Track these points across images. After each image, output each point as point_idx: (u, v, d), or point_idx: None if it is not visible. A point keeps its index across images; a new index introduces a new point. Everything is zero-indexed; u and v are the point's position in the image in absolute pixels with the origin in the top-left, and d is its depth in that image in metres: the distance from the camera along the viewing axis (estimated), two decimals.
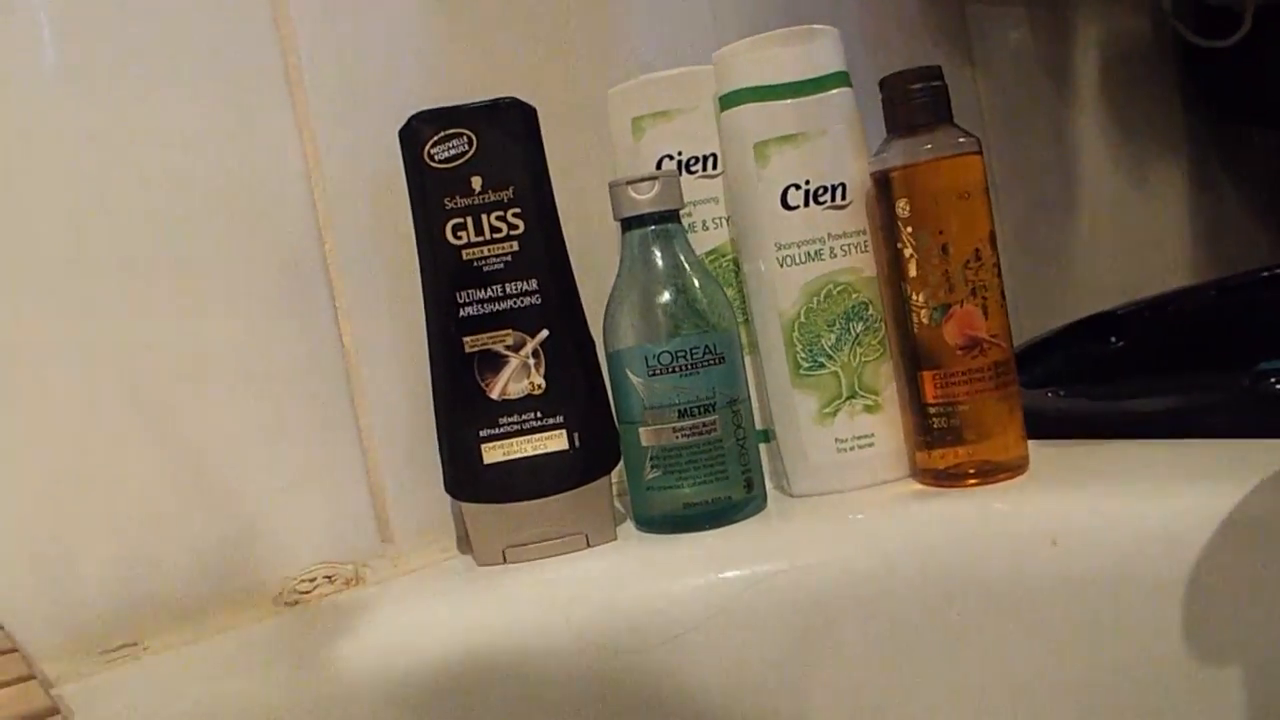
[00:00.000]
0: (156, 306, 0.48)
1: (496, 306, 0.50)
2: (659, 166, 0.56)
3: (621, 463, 0.52)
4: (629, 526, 0.53)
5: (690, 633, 0.46)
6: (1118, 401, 0.55)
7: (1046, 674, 0.44)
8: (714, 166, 0.56)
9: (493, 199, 0.50)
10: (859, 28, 0.75)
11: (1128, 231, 0.92)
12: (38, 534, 0.45)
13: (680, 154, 0.56)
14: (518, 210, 0.50)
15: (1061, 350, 0.69)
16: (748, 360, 0.55)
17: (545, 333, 0.50)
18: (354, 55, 0.54)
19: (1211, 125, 0.99)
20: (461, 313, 0.50)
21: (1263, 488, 0.41)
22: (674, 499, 0.51)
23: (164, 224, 0.49)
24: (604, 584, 0.48)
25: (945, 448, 0.50)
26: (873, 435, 0.53)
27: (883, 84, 0.51)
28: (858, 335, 0.52)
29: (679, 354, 0.50)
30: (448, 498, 0.53)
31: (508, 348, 0.50)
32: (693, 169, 0.56)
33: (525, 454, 0.50)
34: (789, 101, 0.52)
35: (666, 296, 0.51)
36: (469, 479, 0.50)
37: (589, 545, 0.51)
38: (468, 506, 0.51)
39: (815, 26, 0.52)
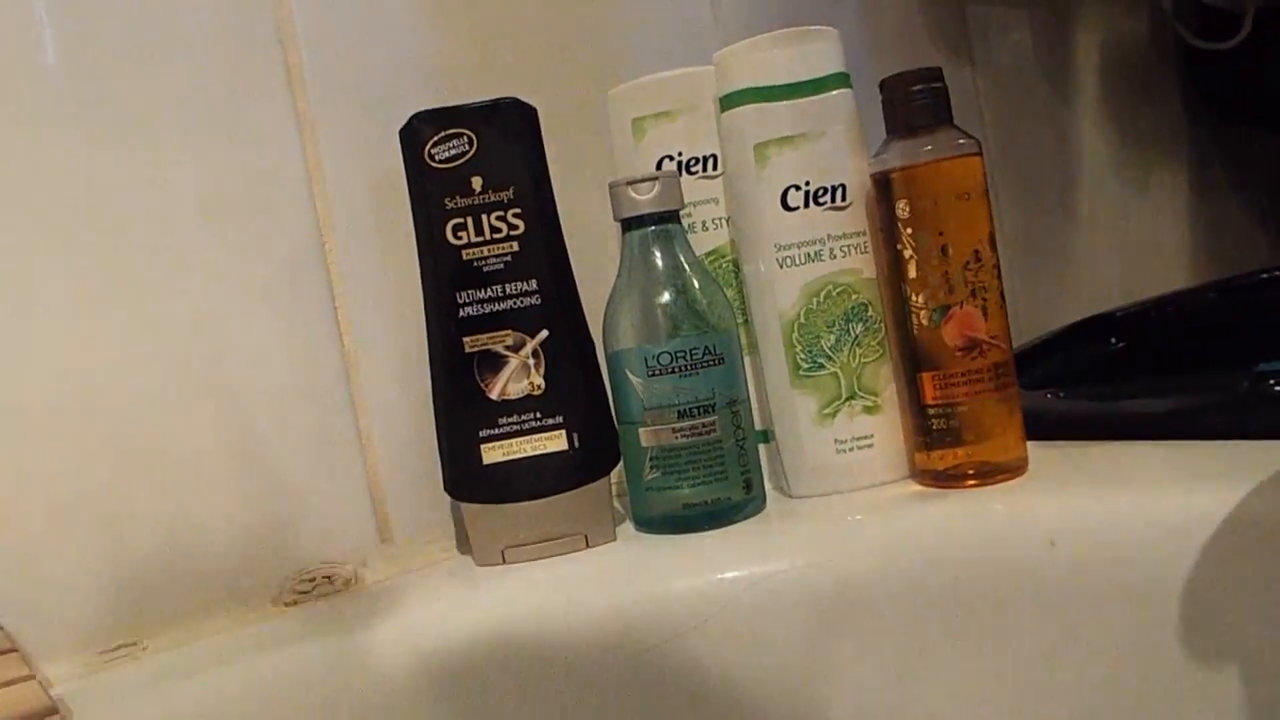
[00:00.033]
0: (155, 306, 0.48)
1: (496, 307, 0.50)
2: (659, 167, 0.56)
3: (621, 463, 0.52)
4: (628, 527, 0.53)
5: (689, 633, 0.46)
6: (1117, 403, 0.55)
7: (1046, 675, 0.44)
8: (714, 167, 0.56)
9: (493, 199, 0.50)
10: (859, 29, 0.75)
11: (1127, 233, 0.92)
12: (36, 535, 0.45)
13: (680, 155, 0.56)
14: (518, 210, 0.50)
15: (1061, 351, 0.69)
16: (747, 361, 0.55)
17: (545, 333, 0.50)
18: (355, 55, 0.54)
19: (1212, 127, 0.99)
20: (461, 313, 0.50)
21: (1262, 489, 0.41)
22: (673, 499, 0.51)
23: (163, 224, 0.49)
24: (603, 584, 0.48)
25: (944, 449, 0.50)
26: (872, 436, 0.53)
27: (883, 85, 0.51)
28: (857, 336, 0.52)
29: (678, 354, 0.50)
30: (447, 498, 0.53)
31: (507, 348, 0.50)
32: (693, 170, 0.56)
33: (525, 454, 0.50)
34: (789, 102, 0.52)
35: (666, 297, 0.51)
36: (468, 479, 0.50)
37: (588, 546, 0.51)
38: (467, 507, 0.51)
39: (815, 28, 0.52)
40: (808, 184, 0.52)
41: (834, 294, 0.52)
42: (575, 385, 0.51)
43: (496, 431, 0.50)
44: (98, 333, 0.47)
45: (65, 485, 0.46)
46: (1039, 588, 0.44)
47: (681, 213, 0.52)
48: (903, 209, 0.49)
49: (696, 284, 0.51)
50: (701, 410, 0.50)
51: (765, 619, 0.46)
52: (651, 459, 0.51)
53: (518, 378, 0.50)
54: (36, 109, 0.46)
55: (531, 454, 0.50)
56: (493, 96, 0.50)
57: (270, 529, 0.50)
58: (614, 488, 0.52)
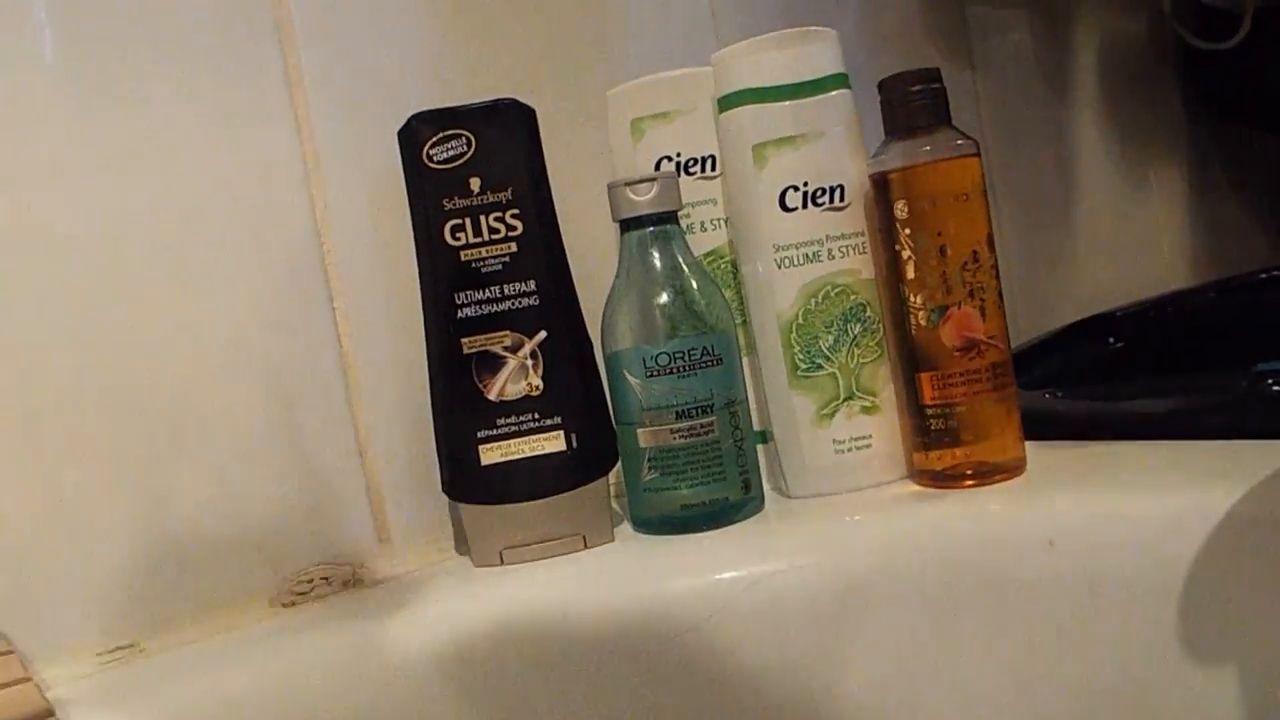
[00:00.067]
0: (153, 306, 0.48)
1: (494, 308, 0.50)
2: (658, 168, 0.56)
3: (619, 464, 0.52)
4: (626, 528, 0.53)
5: (688, 634, 0.46)
6: (1116, 403, 0.55)
7: (1044, 675, 0.44)
8: (712, 168, 0.56)
9: (491, 200, 0.50)
10: (858, 30, 0.75)
11: (1126, 233, 0.92)
12: (33, 536, 0.45)
13: (679, 155, 0.56)
14: (516, 211, 0.50)
15: (1060, 352, 0.69)
16: (745, 361, 0.55)
17: (543, 334, 0.50)
18: (354, 55, 0.54)
19: (1211, 127, 0.99)
20: (459, 314, 0.50)
21: (1260, 488, 0.41)
22: (671, 500, 0.51)
23: (161, 224, 0.49)
24: (601, 585, 0.48)
25: (943, 449, 0.50)
26: (870, 436, 0.53)
27: (881, 86, 0.51)
28: (855, 336, 0.52)
29: (677, 355, 0.50)
30: (445, 499, 0.53)
31: (506, 349, 0.50)
32: (691, 170, 0.56)
33: (523, 455, 0.50)
34: (787, 103, 0.52)
35: (665, 298, 0.51)
36: (466, 480, 0.50)
37: (586, 546, 0.51)
38: (465, 507, 0.51)
39: (814, 28, 0.52)
40: (806, 185, 0.52)
41: (832, 294, 0.52)
42: (573, 386, 0.50)
43: (495, 432, 0.50)
44: (86, 337, 0.47)
45: (60, 487, 0.46)
46: (1037, 588, 0.44)
47: (680, 213, 0.52)
48: (901, 209, 0.49)
49: (695, 285, 0.51)
50: (700, 411, 0.50)
51: (764, 619, 0.46)
52: (650, 460, 0.51)
53: (516, 378, 0.50)
54: (33, 105, 0.46)
55: (530, 455, 0.50)
56: (491, 97, 0.50)
57: (268, 530, 0.50)
58: (612, 488, 0.52)
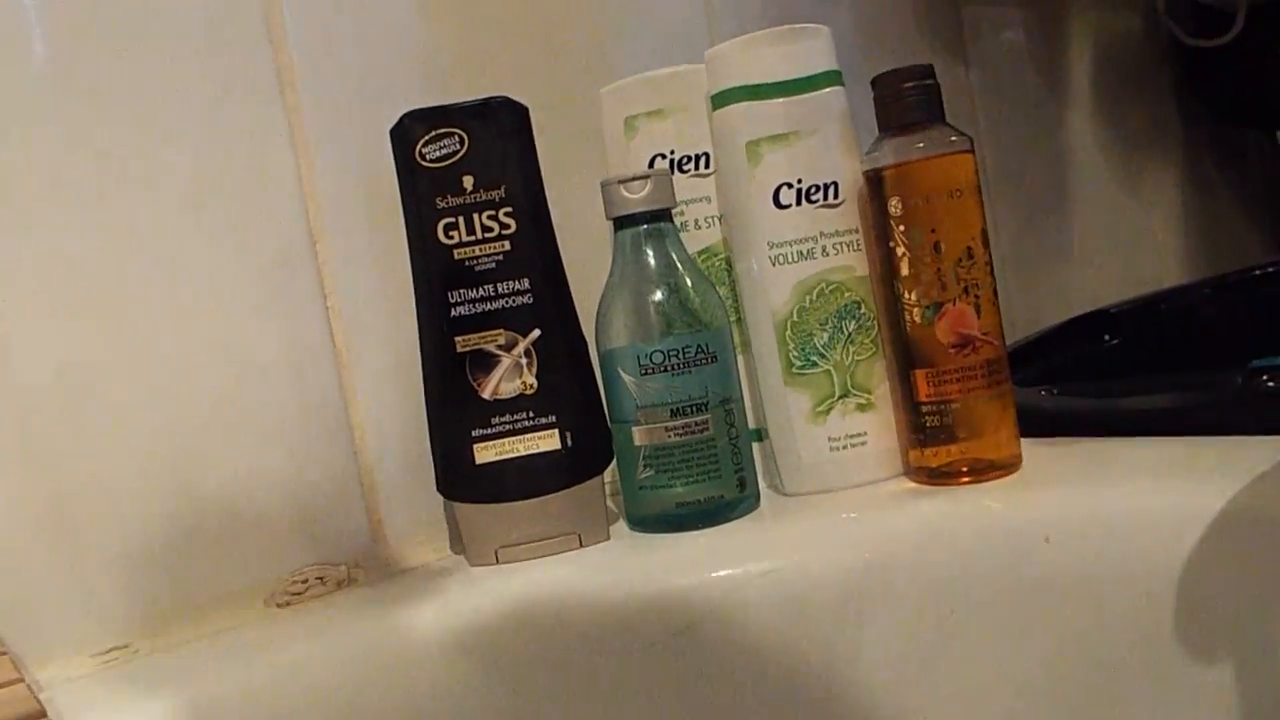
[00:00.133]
0: (144, 307, 0.48)
1: (488, 306, 0.50)
2: (651, 165, 0.56)
3: (614, 462, 0.52)
4: (622, 526, 0.53)
5: (683, 632, 0.46)
6: (1111, 399, 0.55)
7: (1040, 671, 0.44)
8: (706, 165, 0.56)
9: (484, 198, 0.50)
10: (851, 27, 0.75)
11: (1121, 230, 0.92)
12: (28, 537, 0.45)
13: (672, 153, 0.56)
14: (509, 209, 0.50)
15: (1055, 348, 0.69)
16: (740, 359, 0.55)
17: (537, 332, 0.50)
18: (346, 53, 0.54)
19: (1205, 124, 0.99)
20: (453, 312, 0.50)
21: (1255, 484, 0.41)
22: (667, 498, 0.50)
23: (154, 222, 0.48)
24: (597, 584, 0.48)
25: (938, 446, 0.50)
26: (865, 434, 0.52)
27: (875, 83, 0.51)
28: (850, 334, 0.52)
29: (671, 353, 0.50)
30: (440, 498, 0.53)
31: (500, 347, 0.50)
32: (685, 168, 0.56)
33: (517, 454, 0.50)
34: (781, 100, 0.52)
35: (659, 295, 0.51)
36: (461, 479, 0.50)
37: (582, 545, 0.51)
38: (460, 507, 0.51)
39: (807, 25, 0.52)
40: (800, 182, 0.52)
41: (827, 292, 0.52)
42: (568, 384, 0.50)
43: (489, 431, 0.50)
44: (77, 338, 0.47)
45: (53, 488, 0.46)
46: (1034, 584, 0.44)
47: (674, 211, 0.52)
48: (895, 206, 0.49)
49: (689, 282, 0.51)
50: (695, 409, 0.50)
51: (759, 617, 0.46)
52: (645, 458, 0.50)
53: (510, 377, 0.50)
54: (24, 106, 0.46)
55: (524, 453, 0.50)
56: (484, 95, 0.50)
57: (262, 530, 0.50)
58: (607, 487, 0.52)
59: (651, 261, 0.51)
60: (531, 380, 0.50)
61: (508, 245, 0.50)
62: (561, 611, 0.46)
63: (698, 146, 0.55)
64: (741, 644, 0.46)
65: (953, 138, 0.49)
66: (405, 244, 0.50)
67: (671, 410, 0.50)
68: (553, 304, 0.50)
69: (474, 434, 0.50)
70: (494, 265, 0.50)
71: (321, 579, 0.51)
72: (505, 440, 0.50)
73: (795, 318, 0.52)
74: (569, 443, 0.50)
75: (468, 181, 0.50)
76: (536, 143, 0.51)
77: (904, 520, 0.48)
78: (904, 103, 0.50)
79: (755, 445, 0.55)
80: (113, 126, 0.48)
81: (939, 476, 0.50)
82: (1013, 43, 0.87)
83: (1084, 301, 0.76)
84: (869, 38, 0.76)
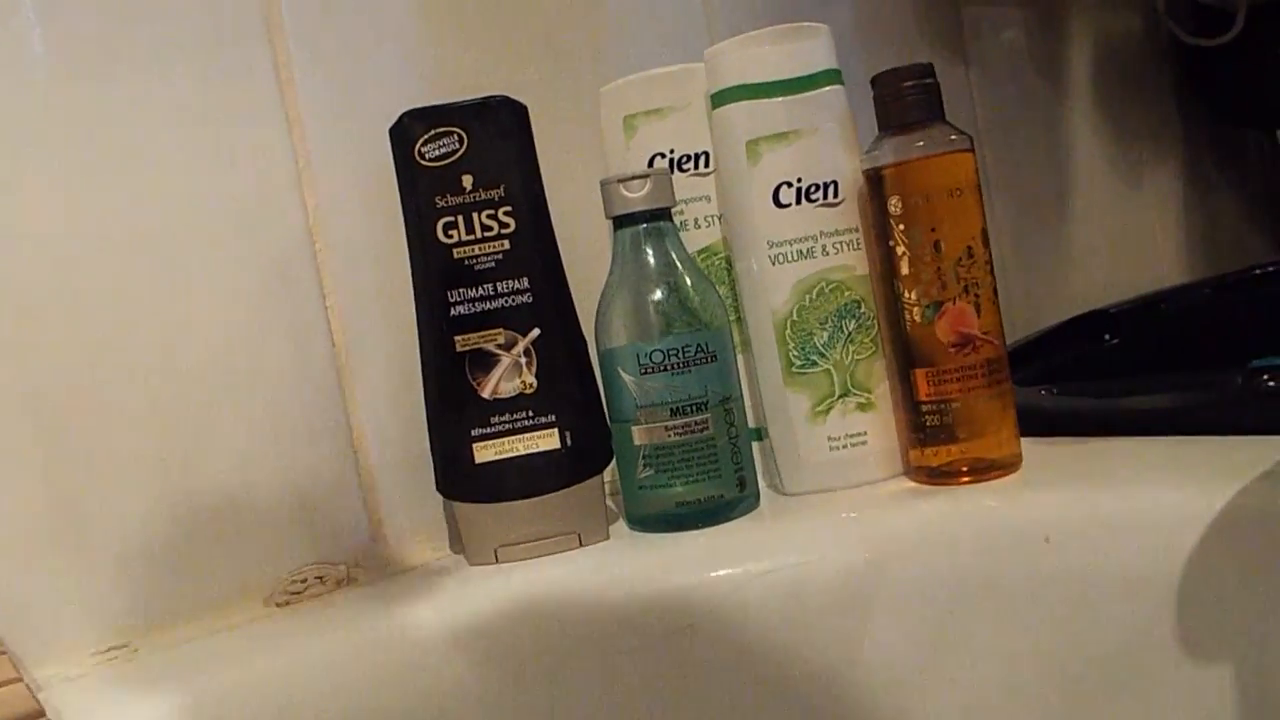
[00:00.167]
0: (143, 305, 0.48)
1: (488, 305, 0.50)
2: (651, 164, 0.56)
3: (614, 462, 0.52)
4: (621, 525, 0.53)
5: (683, 631, 0.46)
6: (1111, 399, 0.55)
7: (1040, 670, 0.44)
8: (706, 164, 0.56)
9: (484, 197, 0.50)
10: (851, 26, 0.75)
11: (1121, 229, 0.92)
12: (27, 536, 0.45)
13: (672, 152, 0.56)
14: (509, 209, 0.50)
15: (1055, 348, 0.69)
16: (740, 358, 0.55)
17: (536, 331, 0.50)
18: (345, 52, 0.54)
19: (1205, 125, 0.99)
20: (452, 312, 0.50)
21: (1255, 484, 0.41)
22: (667, 498, 0.50)
23: (152, 223, 0.48)
24: (596, 583, 0.47)
25: (938, 445, 0.50)
26: (865, 433, 0.52)
27: (875, 81, 0.51)
28: (850, 333, 0.52)
29: (671, 352, 0.50)
30: (440, 497, 0.53)
31: (499, 347, 0.50)
32: (684, 167, 0.56)
33: (517, 453, 0.50)
34: (780, 99, 0.52)
35: (658, 295, 0.51)
36: (461, 478, 0.50)
37: (581, 544, 0.51)
38: (460, 506, 0.51)
39: (807, 24, 0.52)
40: (800, 181, 0.52)
41: (826, 291, 0.52)
42: (567, 383, 0.50)
43: (489, 430, 0.50)
44: (76, 336, 0.46)
45: (53, 487, 0.46)
46: (1034, 584, 0.44)
47: (673, 210, 0.52)
48: (895, 205, 0.49)
49: (689, 282, 0.51)
50: (694, 408, 0.50)
51: (759, 617, 0.46)
52: (644, 457, 0.50)
53: (509, 376, 0.50)
54: (22, 106, 0.46)
55: (524, 453, 0.50)
56: (483, 94, 0.50)
57: (262, 529, 0.50)
58: (607, 486, 0.52)
59: (651, 261, 0.51)
60: (531, 380, 0.50)
61: (507, 244, 0.50)
62: (561, 611, 0.46)
63: (697, 145, 0.55)
64: (741, 644, 0.46)
65: (952, 136, 0.49)
66: (405, 243, 0.50)
67: (671, 410, 0.50)
68: (552, 303, 0.50)
69: (473, 433, 0.50)
70: (493, 264, 0.50)
71: (321, 578, 0.51)
72: (505, 439, 0.50)
73: (795, 317, 0.52)
74: (569, 442, 0.50)
75: (467, 181, 0.50)
76: (536, 142, 0.51)
77: (904, 520, 0.48)
78: (904, 101, 0.50)
79: (755, 445, 0.55)
80: (111, 126, 0.48)
81: (939, 476, 0.50)
82: (1013, 43, 0.87)
83: (1084, 301, 0.76)
84: (869, 37, 0.76)
